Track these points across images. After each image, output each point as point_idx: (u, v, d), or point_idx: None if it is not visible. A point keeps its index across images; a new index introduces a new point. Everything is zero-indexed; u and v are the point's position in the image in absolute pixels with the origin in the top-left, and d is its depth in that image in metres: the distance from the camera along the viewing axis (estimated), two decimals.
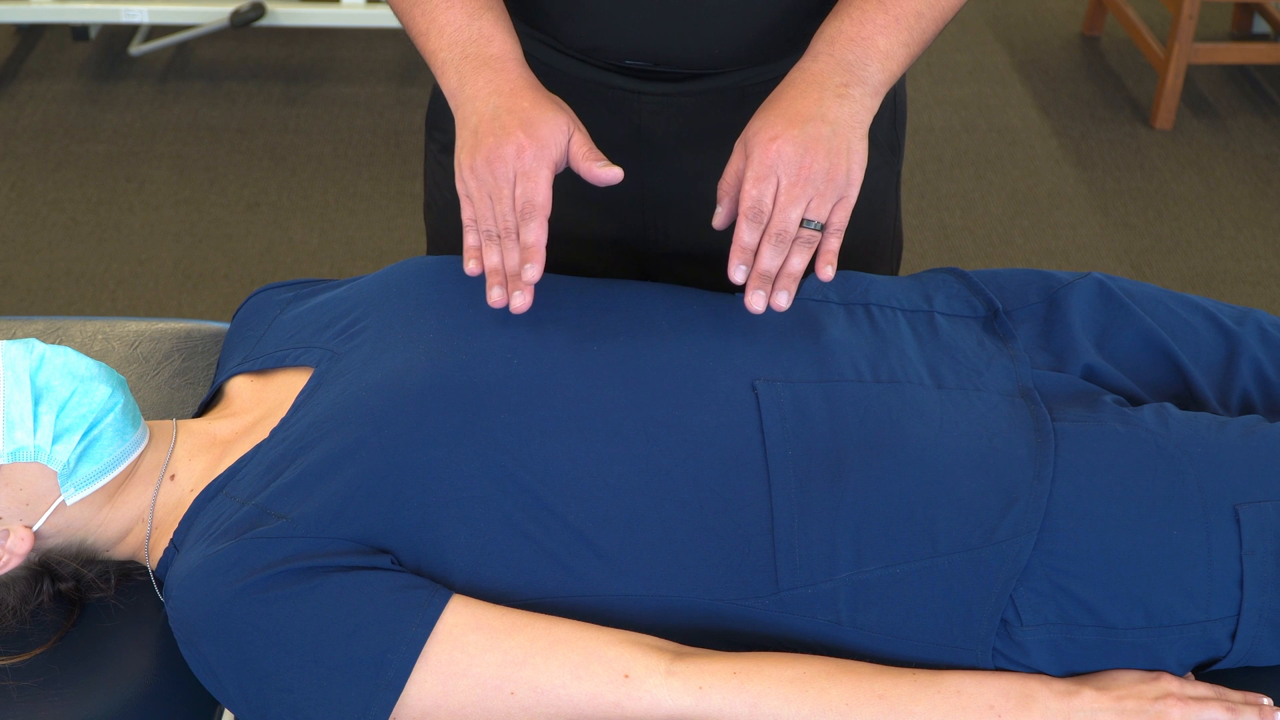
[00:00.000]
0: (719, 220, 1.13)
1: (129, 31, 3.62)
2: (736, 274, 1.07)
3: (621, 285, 1.21)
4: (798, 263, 1.07)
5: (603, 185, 1.08)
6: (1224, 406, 1.18)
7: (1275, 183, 3.13)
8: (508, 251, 1.06)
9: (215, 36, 3.57)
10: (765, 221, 1.06)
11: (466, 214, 1.08)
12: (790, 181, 1.05)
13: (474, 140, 1.06)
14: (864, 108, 1.09)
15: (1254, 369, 1.19)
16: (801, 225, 1.06)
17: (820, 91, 1.08)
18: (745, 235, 1.06)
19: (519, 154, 1.05)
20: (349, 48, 3.64)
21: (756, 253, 1.07)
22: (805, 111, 1.07)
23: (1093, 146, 3.26)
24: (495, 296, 1.06)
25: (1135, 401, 1.15)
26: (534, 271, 1.04)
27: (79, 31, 3.58)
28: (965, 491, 1.03)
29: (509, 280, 1.06)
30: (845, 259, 1.31)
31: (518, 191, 1.05)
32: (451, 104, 1.11)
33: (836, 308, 1.19)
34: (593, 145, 1.08)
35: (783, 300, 1.07)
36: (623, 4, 1.17)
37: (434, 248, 1.45)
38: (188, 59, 3.55)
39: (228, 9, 3.28)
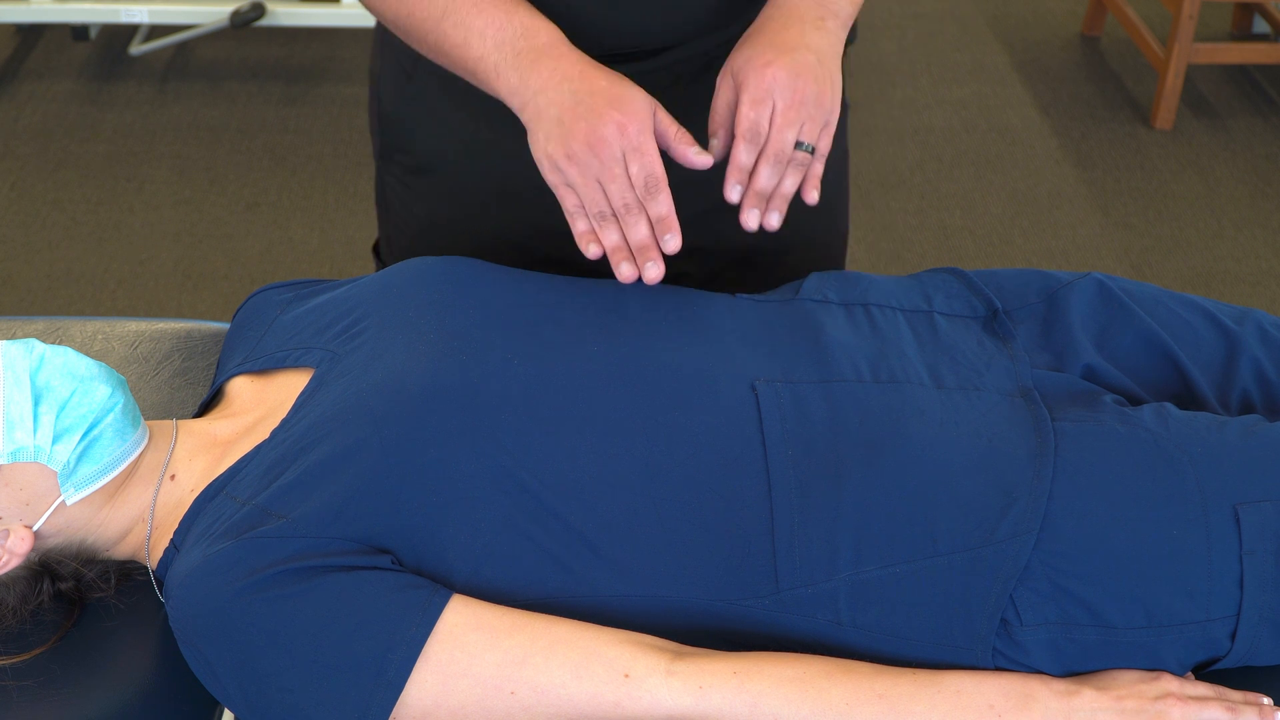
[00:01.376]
0: (716, 151, 1.14)
1: (129, 31, 3.62)
2: (732, 193, 1.11)
3: (622, 285, 1.20)
4: (790, 184, 1.12)
5: (693, 168, 1.11)
6: (1224, 406, 1.18)
7: (1275, 183, 3.13)
8: (631, 227, 1.09)
9: (215, 36, 3.57)
10: (762, 143, 1.10)
11: (570, 202, 1.10)
12: (786, 104, 1.09)
13: (561, 130, 1.08)
14: (838, 39, 1.15)
15: (1254, 369, 1.19)
16: (796, 148, 1.10)
17: (801, 24, 1.14)
18: (742, 156, 1.10)
19: (621, 131, 1.06)
20: (349, 48, 3.64)
21: (752, 173, 1.11)
22: (791, 41, 1.12)
23: (1093, 146, 3.26)
24: (625, 272, 1.09)
25: (1135, 401, 1.15)
26: (675, 241, 1.09)
27: (79, 31, 3.58)
28: (965, 491, 1.03)
29: (638, 253, 1.09)
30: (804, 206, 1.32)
31: (633, 169, 1.07)
32: (514, 101, 1.12)
33: (836, 308, 1.19)
34: (679, 125, 1.11)
35: (775, 220, 1.12)
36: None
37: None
38: (188, 59, 3.55)
39: (228, 9, 3.28)
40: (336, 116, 3.30)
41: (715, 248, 1.33)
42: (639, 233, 1.09)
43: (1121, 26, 3.72)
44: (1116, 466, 1.05)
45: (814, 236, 1.39)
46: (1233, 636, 1.03)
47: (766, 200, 1.11)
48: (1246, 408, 1.18)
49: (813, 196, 1.12)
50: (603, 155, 1.06)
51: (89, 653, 1.08)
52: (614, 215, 1.09)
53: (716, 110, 1.14)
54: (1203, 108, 3.43)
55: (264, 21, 3.29)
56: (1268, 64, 3.59)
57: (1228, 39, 3.78)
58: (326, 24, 3.35)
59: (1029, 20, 3.89)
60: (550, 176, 1.10)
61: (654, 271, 1.09)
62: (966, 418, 1.08)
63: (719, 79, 1.14)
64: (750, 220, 1.11)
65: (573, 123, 1.07)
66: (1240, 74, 3.59)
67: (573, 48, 1.13)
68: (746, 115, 1.09)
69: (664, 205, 1.08)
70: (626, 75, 1.11)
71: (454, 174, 1.35)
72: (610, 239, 1.09)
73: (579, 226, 1.10)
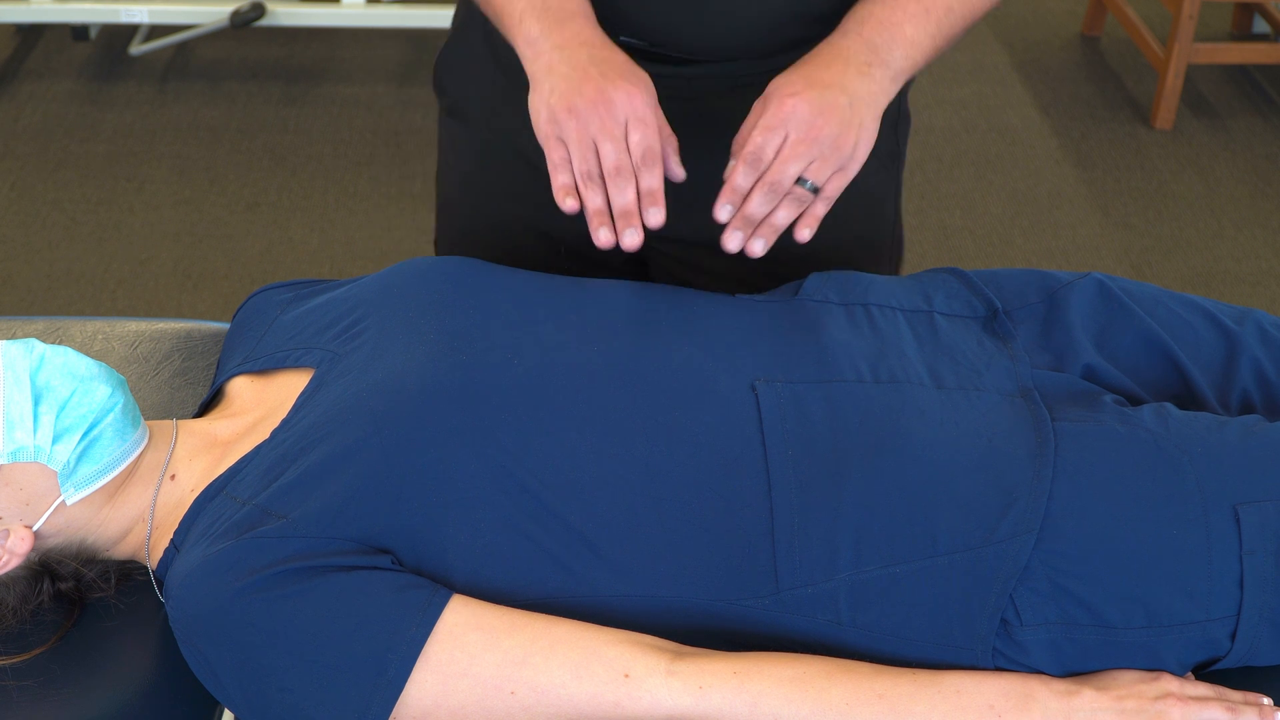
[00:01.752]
0: (730, 174, 1.14)
1: (129, 31, 3.62)
2: (721, 212, 1.09)
3: (622, 285, 1.21)
4: (783, 216, 1.09)
5: (668, 176, 1.11)
6: (1224, 406, 1.17)
7: (1275, 183, 3.13)
8: (619, 191, 1.07)
9: (215, 36, 3.57)
10: (763, 170, 1.08)
11: (558, 154, 1.09)
12: (798, 138, 1.07)
13: (568, 85, 1.08)
14: (882, 90, 1.12)
15: (1254, 369, 1.19)
16: (797, 183, 1.08)
17: (845, 65, 1.11)
18: (739, 178, 1.09)
19: (629, 99, 1.06)
20: (349, 48, 3.64)
21: (747, 197, 1.09)
22: (827, 79, 1.09)
23: (1093, 146, 3.26)
24: (604, 238, 1.08)
25: (1135, 401, 1.15)
26: (659, 216, 1.07)
27: (79, 31, 3.58)
28: (965, 491, 1.03)
29: (620, 218, 1.07)
30: (843, 260, 1.31)
31: (633, 136, 1.07)
32: (528, 51, 1.12)
33: (836, 308, 1.19)
34: (671, 130, 1.11)
35: (758, 248, 1.10)
36: None
37: (441, 212, 1.46)
38: (188, 59, 3.55)
39: (228, 9, 3.28)
40: (336, 116, 3.30)
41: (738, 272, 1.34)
42: (625, 197, 1.07)
43: (1121, 26, 3.72)
44: (1116, 467, 1.05)
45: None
46: (1233, 636, 1.03)
47: (754, 226, 1.10)
48: (1246, 408, 1.18)
49: (804, 235, 1.10)
50: (605, 115, 1.06)
51: (89, 653, 1.08)
52: (601, 178, 1.08)
53: (741, 132, 1.12)
54: (1203, 108, 3.43)
55: (264, 21, 3.29)
56: (1268, 64, 3.59)
57: (1228, 39, 3.78)
58: (326, 24, 3.34)
59: (1029, 20, 3.88)
60: (544, 128, 1.09)
61: (633, 238, 1.07)
62: (967, 418, 1.08)
63: (755, 103, 1.12)
64: (730, 242, 1.09)
65: (582, 81, 1.07)
66: (1240, 74, 3.59)
67: (596, 24, 1.14)
68: (753, 140, 1.08)
69: (656, 179, 1.07)
70: (652, 75, 1.12)
71: (479, 123, 1.37)
72: (594, 201, 1.08)
73: (560, 179, 1.09)
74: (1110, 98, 3.48)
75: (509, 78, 1.27)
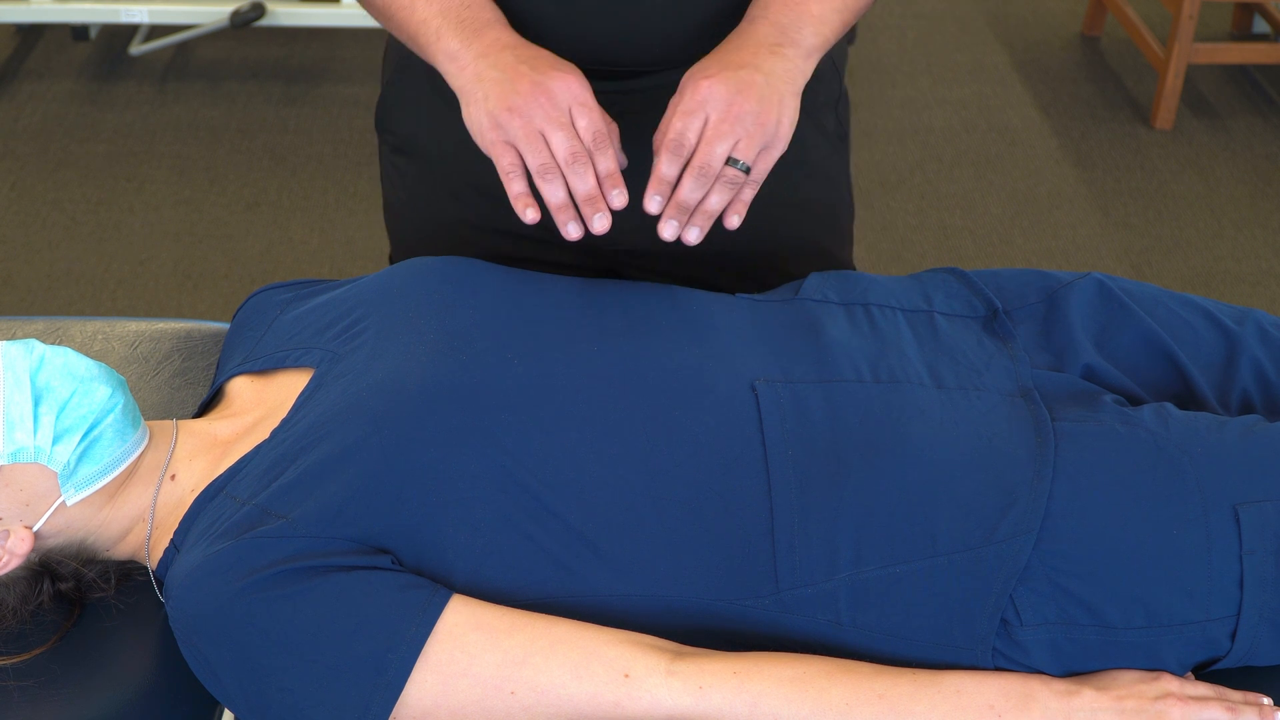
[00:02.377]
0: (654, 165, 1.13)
1: (129, 31, 3.62)
2: (651, 204, 1.08)
3: (622, 285, 1.21)
4: (716, 201, 1.07)
5: None
6: (1224, 406, 1.18)
7: (1275, 183, 3.13)
8: (578, 178, 1.06)
9: (215, 36, 3.57)
10: (687, 156, 1.06)
11: (507, 160, 1.07)
12: (719, 118, 1.06)
13: (501, 87, 1.07)
14: (796, 68, 1.11)
15: (1254, 369, 1.19)
16: (729, 164, 1.07)
17: (756, 47, 1.11)
18: (664, 167, 1.07)
19: (567, 86, 1.06)
20: (349, 48, 3.64)
21: (677, 185, 1.07)
22: (740, 60, 1.09)
23: (1093, 146, 3.26)
24: (573, 232, 1.07)
25: (1135, 401, 1.15)
26: (623, 197, 1.06)
27: (79, 31, 3.58)
28: (965, 491, 1.03)
29: (584, 205, 1.06)
30: (810, 247, 1.31)
31: (580, 122, 1.06)
32: (451, 66, 1.12)
33: (836, 308, 1.19)
34: (610, 118, 1.10)
35: (693, 236, 1.08)
36: (562, 5, 1.18)
37: (396, 249, 1.45)
38: (188, 59, 3.55)
39: (228, 9, 3.28)
40: (336, 116, 3.30)
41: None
42: (586, 183, 1.06)
43: (1121, 26, 3.72)
44: (1116, 466, 1.05)
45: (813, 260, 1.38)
46: (1233, 636, 1.03)
47: (689, 213, 1.08)
48: (1246, 408, 1.18)
49: (732, 222, 1.09)
50: (547, 106, 1.05)
51: (89, 653, 1.08)
52: (557, 168, 1.06)
53: (660, 125, 1.10)
54: (1203, 108, 3.43)
55: (264, 21, 3.29)
56: (1268, 64, 3.59)
57: (1228, 39, 3.78)
58: (326, 24, 3.34)
59: (1029, 20, 3.88)
60: (488, 135, 1.08)
61: (602, 223, 1.06)
62: (966, 417, 1.08)
63: (672, 99, 1.11)
64: (667, 231, 1.07)
65: (515, 79, 1.06)
66: (1240, 74, 3.59)
67: (512, 29, 1.14)
68: (673, 126, 1.07)
69: (611, 160, 1.06)
70: (604, 94, 1.11)
71: (428, 159, 1.36)
72: (556, 195, 1.06)
73: (515, 188, 1.07)
74: (1110, 98, 3.47)
75: (454, 111, 1.28)
